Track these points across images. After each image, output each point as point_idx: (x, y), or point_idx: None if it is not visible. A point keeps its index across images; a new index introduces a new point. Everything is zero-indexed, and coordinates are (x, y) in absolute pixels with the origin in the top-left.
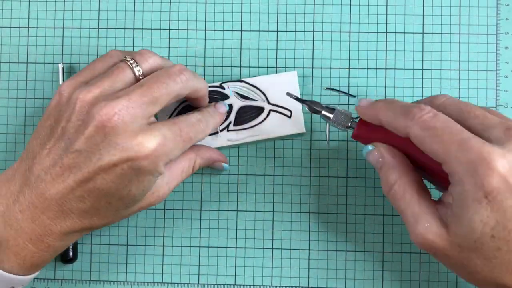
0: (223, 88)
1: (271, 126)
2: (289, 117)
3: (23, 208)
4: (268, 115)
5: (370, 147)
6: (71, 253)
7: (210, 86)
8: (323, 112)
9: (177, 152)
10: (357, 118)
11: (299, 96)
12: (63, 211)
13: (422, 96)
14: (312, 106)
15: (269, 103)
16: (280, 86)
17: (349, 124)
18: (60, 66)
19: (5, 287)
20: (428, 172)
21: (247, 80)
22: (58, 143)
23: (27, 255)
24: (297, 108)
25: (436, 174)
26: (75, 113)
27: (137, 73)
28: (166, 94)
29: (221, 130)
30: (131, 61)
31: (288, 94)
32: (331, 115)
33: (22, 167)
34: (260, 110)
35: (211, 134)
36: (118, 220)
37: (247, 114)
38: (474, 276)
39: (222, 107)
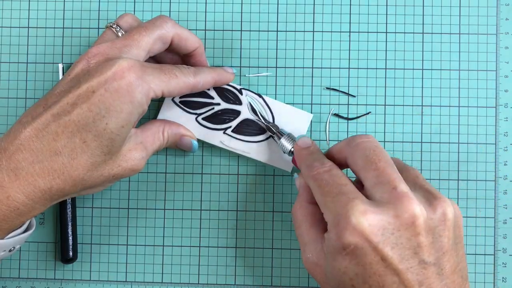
0: (241, 93)
1: (264, 151)
2: (284, 152)
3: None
4: (266, 139)
5: (296, 175)
6: (71, 253)
7: (230, 85)
8: (276, 134)
9: (158, 82)
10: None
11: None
12: (32, 152)
13: (422, 96)
14: (270, 127)
15: (273, 129)
16: (291, 119)
17: (290, 150)
18: (60, 66)
19: None
20: None
21: (266, 98)
22: (47, 93)
23: None
24: None
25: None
26: (69, 70)
27: (119, 34)
28: (146, 36)
29: (224, 130)
30: (114, 26)
31: (254, 110)
32: (278, 140)
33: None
34: (262, 131)
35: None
36: (95, 179)
37: (249, 128)
38: None
39: (230, 68)
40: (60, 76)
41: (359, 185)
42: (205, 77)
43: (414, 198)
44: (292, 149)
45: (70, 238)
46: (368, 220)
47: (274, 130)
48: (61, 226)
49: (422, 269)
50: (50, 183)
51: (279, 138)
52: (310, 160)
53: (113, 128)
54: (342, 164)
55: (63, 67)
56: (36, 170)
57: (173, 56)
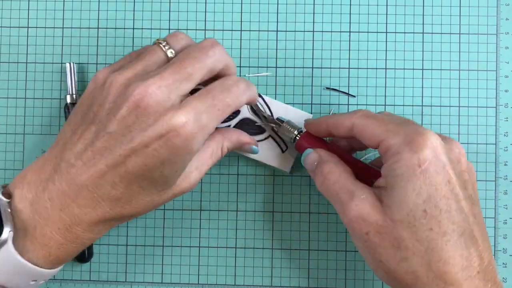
0: None
1: (262, 150)
2: (283, 151)
3: (52, 196)
4: (265, 138)
5: (308, 150)
6: (86, 253)
7: None
8: (271, 124)
9: (213, 124)
10: (300, 132)
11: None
12: (93, 198)
13: (422, 96)
14: (268, 119)
15: (272, 129)
16: (290, 118)
17: (294, 135)
18: (68, 65)
19: (27, 280)
20: (358, 173)
21: (265, 98)
22: (90, 127)
23: (53, 246)
24: (294, 148)
25: (365, 173)
26: (108, 96)
27: (169, 54)
28: (199, 69)
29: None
30: (163, 43)
31: (253, 110)
32: (280, 124)
33: (52, 154)
34: (261, 130)
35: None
36: (149, 209)
37: (248, 128)
38: (401, 266)
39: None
40: (68, 76)
41: None
42: (250, 94)
43: (456, 141)
44: (296, 134)
45: None
46: (437, 141)
47: (274, 120)
48: None
49: (470, 204)
50: (111, 219)
51: (279, 126)
52: (340, 115)
53: (168, 174)
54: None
55: (71, 67)
56: (98, 214)
57: None
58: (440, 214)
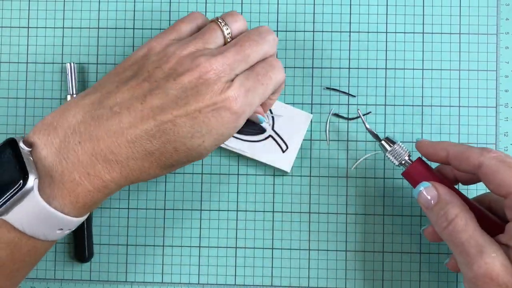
0: None
1: (262, 150)
2: (283, 151)
3: (83, 139)
4: (266, 138)
5: (425, 184)
6: (87, 253)
7: None
8: (383, 142)
9: (259, 99)
10: (410, 158)
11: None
12: (130, 148)
13: (422, 96)
14: (375, 134)
15: (272, 128)
16: (291, 120)
17: (404, 161)
18: (68, 66)
19: (53, 228)
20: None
21: None
22: (142, 84)
23: (81, 193)
24: (295, 147)
25: (482, 220)
26: (169, 63)
27: (226, 35)
28: (256, 52)
29: None
30: (222, 23)
31: (370, 130)
32: (389, 148)
33: (87, 99)
34: (262, 130)
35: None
36: (169, 171)
37: (248, 128)
38: None
39: None
40: (69, 76)
41: None
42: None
43: None
44: (407, 160)
45: (86, 237)
46: None
47: (381, 138)
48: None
49: None
50: (137, 178)
51: (390, 145)
52: (467, 148)
53: (208, 146)
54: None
55: (72, 67)
56: (129, 165)
57: None
58: None
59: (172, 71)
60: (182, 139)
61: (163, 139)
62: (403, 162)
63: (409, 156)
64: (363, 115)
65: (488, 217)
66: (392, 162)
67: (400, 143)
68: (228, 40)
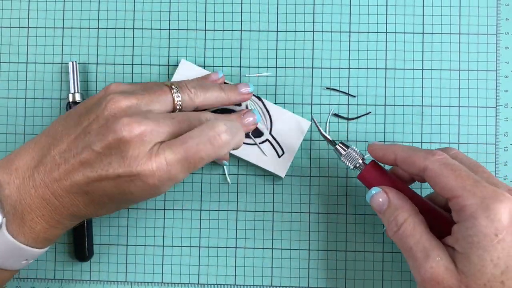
0: None
1: (259, 154)
2: (279, 156)
3: (36, 184)
4: (262, 142)
5: (375, 189)
6: (87, 251)
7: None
8: (337, 147)
9: (183, 174)
10: (364, 161)
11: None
12: (70, 198)
13: (422, 96)
14: (329, 140)
15: (270, 132)
16: (289, 125)
17: (358, 164)
18: (70, 64)
19: (19, 259)
20: (426, 218)
21: (265, 102)
22: (81, 136)
23: (40, 230)
24: (291, 153)
25: (435, 219)
26: (105, 112)
27: (176, 100)
28: (196, 143)
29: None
30: (174, 89)
31: (324, 136)
32: (343, 152)
33: (41, 144)
34: (259, 133)
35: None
36: (120, 210)
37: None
38: None
39: (251, 118)
40: (71, 75)
41: None
42: (235, 142)
43: None
44: (361, 163)
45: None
46: None
47: (336, 143)
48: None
49: None
50: (91, 215)
51: (344, 149)
52: (420, 149)
53: (139, 195)
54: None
55: (74, 66)
56: (74, 211)
57: None
58: None
59: (105, 123)
60: (111, 196)
61: (96, 194)
62: (357, 165)
63: (363, 159)
64: (363, 115)
65: (441, 215)
66: (348, 166)
67: (354, 147)
68: (178, 108)
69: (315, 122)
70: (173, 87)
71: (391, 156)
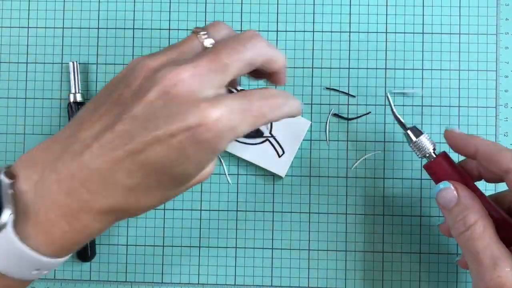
0: None
1: (259, 153)
2: (279, 156)
3: (60, 177)
4: (262, 142)
5: (445, 183)
6: (89, 251)
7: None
8: (409, 131)
9: (245, 128)
10: (435, 151)
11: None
12: (106, 185)
13: (422, 96)
14: (402, 122)
15: (270, 132)
16: (289, 125)
17: (427, 154)
18: (71, 64)
19: (28, 268)
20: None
21: None
22: (112, 108)
23: (57, 234)
24: (291, 153)
25: (501, 223)
26: (137, 79)
27: (206, 44)
28: (237, 61)
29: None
30: (201, 32)
31: (397, 118)
32: (415, 138)
33: (65, 134)
34: (259, 133)
35: None
36: (162, 203)
37: None
38: None
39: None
40: (72, 75)
41: None
42: (288, 110)
43: None
44: (431, 152)
45: None
46: None
47: (408, 127)
48: None
49: None
50: (126, 213)
51: (417, 136)
52: (504, 147)
53: (191, 172)
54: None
55: (75, 66)
56: (109, 202)
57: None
58: None
59: (139, 87)
60: (161, 170)
61: (141, 172)
62: (427, 155)
63: (434, 149)
64: (363, 115)
65: (507, 221)
66: (416, 153)
67: (427, 135)
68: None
69: (389, 100)
70: (199, 31)
71: (472, 148)
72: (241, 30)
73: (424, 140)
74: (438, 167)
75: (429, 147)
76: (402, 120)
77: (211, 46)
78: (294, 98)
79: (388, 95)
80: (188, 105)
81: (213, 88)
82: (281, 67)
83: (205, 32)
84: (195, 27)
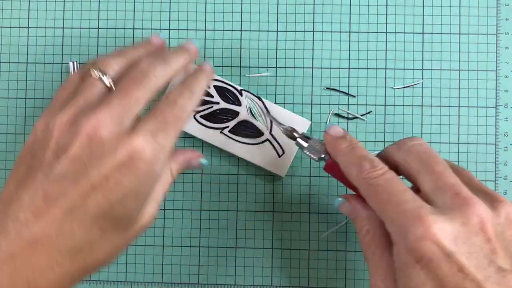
0: (241, 94)
1: (259, 154)
2: (279, 156)
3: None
4: (262, 142)
5: (339, 200)
6: None
7: (229, 85)
8: (298, 140)
9: (171, 139)
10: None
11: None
12: (49, 254)
13: (422, 96)
14: (288, 132)
15: (270, 132)
16: (289, 125)
17: (323, 155)
18: (71, 64)
19: None
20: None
21: (266, 102)
22: (36, 176)
23: None
24: (291, 153)
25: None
26: (53, 138)
27: (107, 82)
28: (146, 92)
29: (221, 130)
30: (97, 72)
31: (268, 114)
32: (305, 144)
33: None
34: (259, 133)
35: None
36: (112, 256)
37: (246, 130)
38: None
39: (207, 65)
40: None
41: (414, 189)
42: (198, 94)
43: (480, 202)
44: (324, 156)
45: None
46: (440, 229)
47: (296, 136)
48: None
49: (501, 277)
50: (74, 280)
51: (306, 141)
52: (356, 159)
53: (132, 208)
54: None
55: (75, 66)
56: (56, 273)
57: None
58: None
59: (59, 145)
60: (102, 216)
61: (82, 227)
62: (322, 156)
63: (326, 151)
64: (363, 115)
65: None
66: (312, 158)
67: (316, 138)
68: (111, 86)
69: (270, 115)
70: (93, 70)
71: (336, 158)
72: (241, 30)
73: (314, 143)
74: (335, 166)
75: (321, 150)
76: (288, 130)
77: (111, 84)
78: (196, 78)
79: (271, 115)
80: (113, 144)
81: (130, 122)
82: (183, 66)
83: (100, 70)
84: (88, 65)
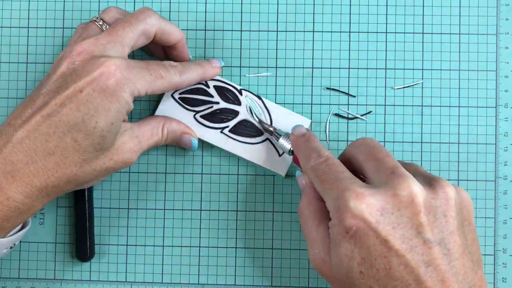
0: (241, 94)
1: (259, 153)
2: (279, 155)
3: None
4: (262, 141)
5: (298, 172)
6: (88, 252)
7: (230, 85)
8: (275, 134)
9: (144, 82)
10: None
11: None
12: (27, 154)
13: (422, 96)
14: (266, 127)
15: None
16: (290, 124)
17: (292, 149)
18: None
19: None
20: None
21: (265, 101)
22: (33, 93)
23: None
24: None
25: None
26: (52, 66)
27: (99, 26)
28: (131, 31)
29: (221, 129)
30: (97, 20)
31: (252, 113)
32: (279, 138)
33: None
34: (259, 133)
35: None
36: (91, 176)
37: (246, 129)
38: None
39: (217, 61)
40: None
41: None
42: (191, 75)
43: (412, 177)
44: (292, 148)
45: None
46: (365, 202)
47: (272, 131)
48: (77, 225)
49: (427, 248)
50: (46, 182)
51: (277, 139)
52: (308, 150)
53: (103, 126)
54: (353, 169)
55: None
56: (31, 171)
57: (156, 46)
58: (378, 273)
59: (54, 69)
60: (75, 126)
61: (57, 133)
62: (292, 149)
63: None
64: (363, 115)
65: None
66: (285, 151)
67: (285, 134)
68: (101, 28)
69: (251, 111)
70: (94, 18)
71: (296, 150)
72: (241, 30)
73: (282, 140)
74: (297, 159)
75: (288, 145)
76: (266, 125)
77: (102, 27)
78: (200, 64)
79: (251, 108)
80: (91, 64)
81: (113, 53)
82: (178, 40)
83: (100, 19)
84: (93, 17)
